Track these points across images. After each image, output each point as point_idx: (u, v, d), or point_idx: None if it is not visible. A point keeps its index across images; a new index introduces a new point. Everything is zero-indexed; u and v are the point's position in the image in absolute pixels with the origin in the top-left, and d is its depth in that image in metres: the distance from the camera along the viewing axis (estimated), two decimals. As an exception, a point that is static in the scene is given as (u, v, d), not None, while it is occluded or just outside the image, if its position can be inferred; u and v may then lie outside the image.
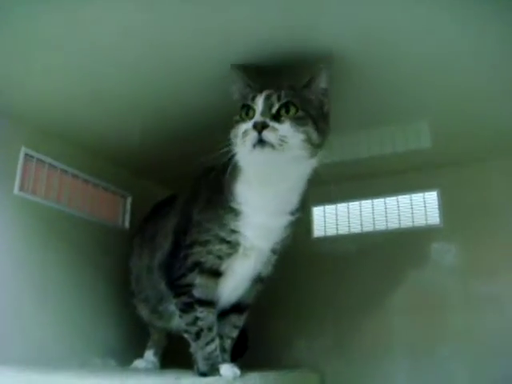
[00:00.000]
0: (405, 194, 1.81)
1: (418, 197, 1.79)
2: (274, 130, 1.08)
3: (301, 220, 1.29)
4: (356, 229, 1.86)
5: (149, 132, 1.56)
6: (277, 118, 1.10)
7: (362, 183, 1.85)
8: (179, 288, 1.28)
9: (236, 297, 1.33)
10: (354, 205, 1.89)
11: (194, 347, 1.25)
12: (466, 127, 1.48)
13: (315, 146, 1.13)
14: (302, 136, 1.10)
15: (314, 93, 1.18)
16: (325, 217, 1.92)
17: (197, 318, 1.24)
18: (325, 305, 1.81)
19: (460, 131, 1.51)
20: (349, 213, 1.89)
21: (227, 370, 1.20)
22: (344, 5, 1.00)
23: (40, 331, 1.41)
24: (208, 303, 1.26)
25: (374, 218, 1.83)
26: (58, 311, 1.49)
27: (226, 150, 1.14)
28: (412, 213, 1.78)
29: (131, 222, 1.80)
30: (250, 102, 1.14)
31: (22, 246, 1.41)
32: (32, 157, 1.46)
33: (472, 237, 1.68)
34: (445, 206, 1.74)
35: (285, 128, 1.09)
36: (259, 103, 1.12)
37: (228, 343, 1.33)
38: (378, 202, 1.85)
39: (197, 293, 1.25)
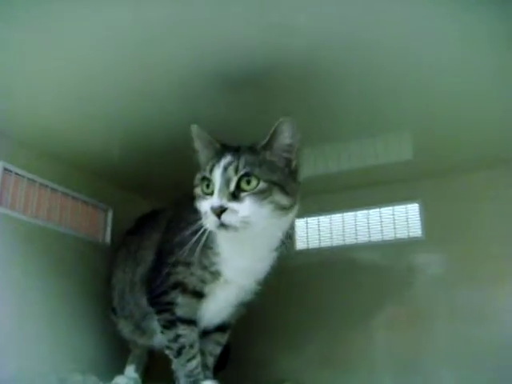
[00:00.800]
0: (387, 206, 1.81)
1: (400, 209, 1.79)
2: (234, 212, 1.04)
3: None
4: (339, 241, 1.86)
5: (131, 145, 1.55)
6: (236, 195, 1.05)
7: (344, 195, 1.86)
8: (160, 305, 1.27)
9: (219, 319, 1.33)
10: (336, 217, 1.89)
11: (175, 364, 1.25)
12: (447, 139, 1.49)
13: (287, 208, 1.11)
14: (268, 207, 1.07)
15: (277, 153, 1.12)
16: (307, 229, 1.91)
17: (178, 336, 1.24)
18: (308, 317, 1.80)
19: (442, 143, 1.52)
20: (331, 225, 1.88)
21: None
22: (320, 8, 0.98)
23: (19, 347, 1.39)
24: (190, 322, 1.25)
25: (356, 230, 1.83)
26: (38, 326, 1.46)
27: (198, 224, 1.10)
28: (394, 225, 1.78)
29: (112, 236, 1.78)
30: (208, 175, 1.10)
31: (1, 260, 1.38)
32: (10, 171, 1.44)
33: (454, 248, 1.68)
34: (427, 218, 1.75)
35: (245, 207, 1.05)
36: (217, 177, 1.07)
37: (210, 360, 1.33)
38: (361, 214, 1.84)
39: (179, 311, 1.24)
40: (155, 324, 1.32)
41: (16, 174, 1.45)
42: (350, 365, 1.71)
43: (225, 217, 1.03)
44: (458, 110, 1.34)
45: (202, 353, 1.29)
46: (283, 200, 1.08)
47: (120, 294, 1.50)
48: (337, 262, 1.84)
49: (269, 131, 1.10)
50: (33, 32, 1.03)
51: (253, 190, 1.06)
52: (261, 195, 1.06)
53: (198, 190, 1.14)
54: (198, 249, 1.13)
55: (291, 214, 1.14)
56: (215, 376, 1.32)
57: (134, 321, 1.45)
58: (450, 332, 1.62)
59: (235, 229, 1.04)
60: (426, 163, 1.65)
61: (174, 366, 1.26)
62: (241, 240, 1.14)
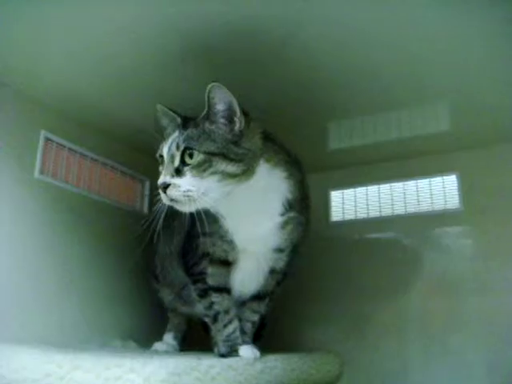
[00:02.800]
0: (424, 178, 1.79)
1: (437, 180, 1.77)
2: (176, 186, 1.07)
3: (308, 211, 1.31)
4: (375, 213, 1.85)
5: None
6: (180, 170, 1.08)
7: (381, 167, 1.84)
8: (194, 276, 1.32)
9: (251, 287, 1.34)
10: (372, 189, 1.87)
11: (213, 330, 1.28)
12: (485, 109, 1.46)
13: (240, 174, 1.11)
14: (212, 178, 1.08)
15: (215, 120, 1.12)
16: (343, 201, 1.91)
17: (212, 303, 1.27)
18: (342, 288, 1.81)
19: (479, 113, 1.49)
20: (367, 197, 1.87)
21: (246, 351, 1.23)
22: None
23: (61, 313, 1.43)
24: (221, 290, 1.28)
25: (392, 202, 1.82)
26: (79, 293, 1.50)
27: None
28: (431, 196, 1.76)
29: (150, 205, 1.80)
30: (160, 152, 1.15)
31: (43, 228, 1.42)
32: (52, 141, 1.47)
33: (492, 220, 1.66)
34: (464, 190, 1.72)
35: (186, 181, 1.07)
36: (164, 154, 1.12)
37: (248, 326, 1.33)
38: (397, 186, 1.83)
39: (210, 281, 1.28)
40: (194, 293, 1.35)
41: (57, 143, 1.48)
42: (381, 337, 1.71)
43: (169, 192, 1.07)
44: (495, 79, 1.31)
45: (240, 320, 1.32)
46: (229, 167, 1.09)
47: (161, 263, 1.55)
48: (372, 234, 1.84)
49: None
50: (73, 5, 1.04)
51: (195, 163, 1.08)
52: (201, 167, 1.08)
53: (159, 168, 1.16)
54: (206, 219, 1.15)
55: (256, 177, 1.15)
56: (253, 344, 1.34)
57: (175, 290, 1.49)
58: (485, 304, 1.60)
59: (181, 203, 1.08)
60: (463, 134, 1.63)
61: (213, 333, 1.29)
62: (237, 207, 1.17)
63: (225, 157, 1.09)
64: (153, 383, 0.85)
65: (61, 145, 1.50)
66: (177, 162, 1.09)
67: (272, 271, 1.32)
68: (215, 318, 1.27)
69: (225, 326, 1.26)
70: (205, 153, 1.08)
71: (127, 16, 1.08)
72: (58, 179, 1.47)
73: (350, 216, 1.90)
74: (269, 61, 1.27)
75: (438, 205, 1.75)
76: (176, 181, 1.07)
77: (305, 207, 1.31)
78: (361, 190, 1.89)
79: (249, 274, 1.31)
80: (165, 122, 1.23)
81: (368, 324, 1.74)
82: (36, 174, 1.40)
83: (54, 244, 1.44)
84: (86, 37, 1.16)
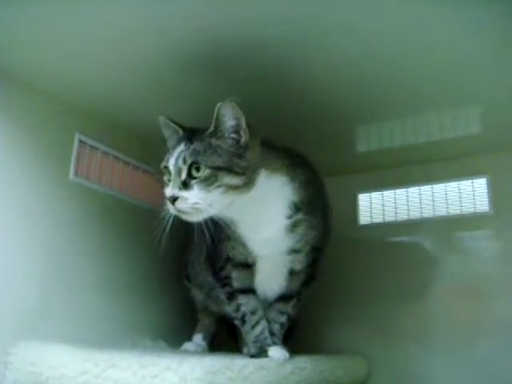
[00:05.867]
0: (453, 181, 1.78)
1: (466, 184, 1.76)
2: (184, 199, 1.10)
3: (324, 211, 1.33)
4: (403, 216, 1.84)
5: (199, 121, 1.58)
6: (187, 183, 1.11)
7: (409, 170, 1.83)
8: (221, 280, 1.37)
9: (275, 289, 1.36)
10: (400, 192, 1.87)
11: (243, 332, 1.32)
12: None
13: (243, 186, 1.14)
14: (217, 191, 1.11)
15: (222, 136, 1.14)
16: (371, 204, 1.91)
17: (239, 305, 1.32)
18: (369, 291, 1.81)
19: (510, 116, 1.48)
20: (395, 200, 1.87)
21: (276, 352, 1.25)
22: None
23: (93, 312, 1.46)
24: (247, 291, 1.32)
25: (421, 205, 1.81)
26: (111, 293, 1.53)
27: None
28: (460, 200, 1.76)
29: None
30: (166, 163, 1.16)
31: (77, 228, 1.45)
32: (85, 143, 1.50)
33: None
34: (494, 193, 1.71)
35: (193, 194, 1.10)
36: (171, 167, 1.13)
37: (276, 327, 1.34)
38: (425, 189, 1.82)
39: (235, 283, 1.33)
40: (222, 295, 1.39)
41: (90, 145, 1.51)
42: (408, 339, 1.70)
43: (177, 204, 1.10)
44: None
45: (268, 321, 1.33)
46: (233, 180, 1.12)
47: (192, 263, 1.58)
48: (400, 237, 1.84)
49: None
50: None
51: (201, 177, 1.11)
52: (207, 181, 1.11)
53: (164, 178, 1.19)
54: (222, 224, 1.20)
55: (257, 186, 1.18)
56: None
57: (204, 290, 1.52)
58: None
59: (189, 214, 1.11)
60: (494, 137, 1.62)
61: (243, 335, 1.33)
62: (244, 213, 1.20)
63: (230, 171, 1.12)
64: (188, 382, 0.87)
65: (94, 147, 1.52)
66: (184, 176, 1.11)
67: (292, 272, 1.34)
68: (243, 320, 1.31)
69: (253, 327, 1.29)
70: (211, 167, 1.11)
71: (165, 18, 1.10)
72: (91, 181, 1.50)
73: (377, 219, 1.90)
74: (294, 66, 1.28)
75: (467, 208, 1.74)
76: (184, 194, 1.10)
77: (318, 208, 1.32)
78: (389, 192, 1.89)
79: (269, 276, 1.34)
80: (167, 133, 1.26)
81: (395, 326, 1.74)
82: (71, 175, 1.44)
83: (88, 244, 1.47)
84: (118, 38, 1.18)
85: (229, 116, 1.13)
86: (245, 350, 1.41)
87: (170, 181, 1.14)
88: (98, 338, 1.39)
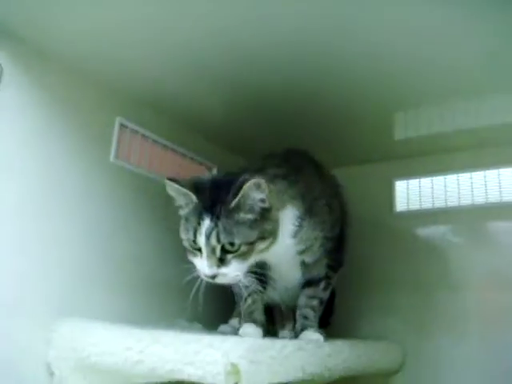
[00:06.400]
0: (492, 169, 1.75)
1: (506, 171, 1.73)
2: (224, 275, 1.12)
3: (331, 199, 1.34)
4: (440, 203, 1.82)
5: (237, 108, 1.60)
6: (223, 259, 1.11)
7: (447, 157, 1.81)
8: None
9: (293, 279, 1.39)
10: (438, 179, 1.85)
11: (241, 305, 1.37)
12: None
13: (274, 241, 1.17)
14: (253, 258, 1.15)
15: (251, 210, 1.12)
16: (408, 191, 1.89)
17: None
18: (404, 278, 1.80)
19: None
20: (433, 187, 1.85)
21: (310, 334, 1.28)
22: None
23: (132, 293, 1.48)
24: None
25: (459, 193, 1.79)
26: (150, 274, 1.55)
27: None
28: (500, 187, 1.73)
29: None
30: (192, 237, 1.13)
31: (117, 210, 1.47)
32: (126, 126, 1.51)
33: None
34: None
35: (232, 269, 1.12)
36: (202, 244, 1.11)
37: (308, 312, 1.36)
38: (464, 177, 1.80)
39: None
40: None
41: (131, 129, 1.53)
42: (441, 328, 1.69)
43: (218, 280, 1.13)
44: None
45: (300, 306, 1.36)
46: (266, 243, 1.15)
47: None
48: (437, 225, 1.82)
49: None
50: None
51: (236, 252, 1.11)
52: (244, 255, 1.13)
53: (185, 242, 1.18)
54: None
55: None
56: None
57: None
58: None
59: (229, 282, 1.15)
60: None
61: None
62: None
63: (262, 238, 1.14)
64: (231, 358, 0.88)
65: (135, 131, 1.54)
66: (218, 253, 1.11)
67: (304, 264, 1.36)
68: (239, 295, 1.35)
69: (245, 299, 1.33)
70: (247, 244, 1.12)
71: (206, 7, 1.11)
72: (131, 163, 1.52)
73: (414, 206, 1.88)
74: (333, 53, 1.28)
75: (507, 196, 1.71)
76: (223, 270, 1.12)
77: (322, 203, 1.34)
78: (426, 180, 1.87)
79: (283, 271, 1.36)
80: (175, 194, 1.21)
81: (429, 315, 1.72)
82: (111, 158, 1.46)
83: (127, 225, 1.50)
84: (161, 23, 1.18)
85: (257, 192, 1.11)
86: (280, 334, 1.42)
87: (195, 249, 1.14)
88: (136, 320, 1.40)
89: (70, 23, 1.18)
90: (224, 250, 1.11)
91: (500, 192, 1.72)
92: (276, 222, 1.17)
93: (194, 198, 1.15)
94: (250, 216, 1.12)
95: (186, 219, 1.17)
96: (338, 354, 1.22)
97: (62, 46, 1.28)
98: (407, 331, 1.73)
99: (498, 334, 1.60)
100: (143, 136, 1.57)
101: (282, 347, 1.00)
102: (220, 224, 1.10)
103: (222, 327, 1.57)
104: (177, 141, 1.70)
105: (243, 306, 1.35)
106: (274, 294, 1.44)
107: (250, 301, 1.33)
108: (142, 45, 1.27)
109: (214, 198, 1.13)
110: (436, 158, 1.83)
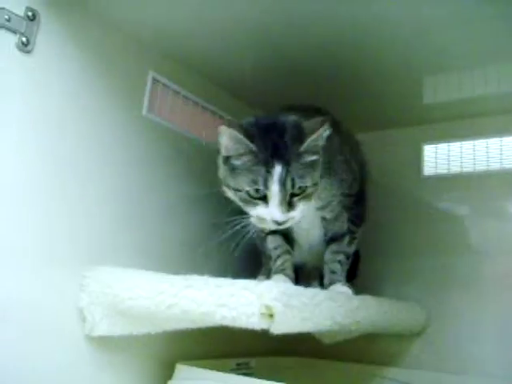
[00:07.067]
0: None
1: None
2: (292, 218, 1.12)
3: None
4: (469, 168, 1.81)
5: (266, 67, 1.60)
6: (291, 203, 1.11)
7: (476, 122, 1.79)
8: None
9: (316, 235, 1.41)
10: (467, 144, 1.83)
11: (271, 265, 1.40)
12: None
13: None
14: (313, 200, 1.18)
15: (317, 151, 1.14)
16: (436, 155, 1.88)
17: (267, 243, 1.41)
18: (429, 243, 1.80)
19: None
20: (462, 152, 1.83)
21: (338, 287, 1.32)
22: None
23: (161, 246, 1.50)
24: (276, 232, 1.37)
25: (488, 158, 1.77)
26: (179, 229, 1.56)
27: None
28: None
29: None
30: (261, 187, 1.10)
31: (148, 163, 1.48)
32: (158, 81, 1.52)
33: None
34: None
35: (299, 212, 1.12)
36: (274, 191, 1.08)
37: (335, 266, 1.38)
38: (493, 142, 1.77)
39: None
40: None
41: (163, 84, 1.53)
42: (462, 293, 1.68)
43: (286, 224, 1.12)
44: None
45: (326, 262, 1.39)
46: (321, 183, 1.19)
47: None
48: (465, 190, 1.81)
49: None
50: None
51: (302, 195, 1.12)
52: (309, 196, 1.14)
53: (242, 194, 1.15)
54: None
55: None
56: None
57: None
58: None
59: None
60: None
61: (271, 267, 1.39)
62: None
63: (322, 177, 1.18)
64: (266, 300, 0.89)
65: (166, 86, 1.55)
66: (288, 198, 1.11)
67: (325, 220, 1.38)
68: (269, 255, 1.41)
69: (275, 260, 1.37)
70: (314, 185, 1.14)
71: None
72: (163, 118, 1.53)
73: (443, 171, 1.86)
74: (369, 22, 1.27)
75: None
76: (292, 214, 1.12)
77: (339, 160, 1.34)
78: (455, 144, 1.85)
79: (303, 226, 1.36)
80: (228, 143, 1.15)
81: (451, 278, 1.72)
82: (144, 111, 1.46)
83: (158, 178, 1.51)
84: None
85: (325, 133, 1.13)
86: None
87: (256, 198, 1.12)
88: (166, 272, 1.43)
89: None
90: (291, 194, 1.11)
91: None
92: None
93: (251, 146, 1.11)
94: (314, 157, 1.14)
95: (247, 170, 1.12)
96: (367, 308, 1.23)
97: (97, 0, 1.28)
98: (429, 294, 1.74)
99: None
100: (175, 92, 1.58)
101: (313, 295, 1.02)
102: (292, 169, 1.09)
103: (250, 283, 1.60)
104: (208, 98, 1.70)
105: (274, 266, 1.36)
106: (300, 255, 1.46)
107: (279, 261, 1.36)
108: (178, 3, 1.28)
109: (274, 142, 1.11)
110: (465, 122, 1.81)
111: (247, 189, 1.12)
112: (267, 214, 1.10)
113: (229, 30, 1.40)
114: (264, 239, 1.41)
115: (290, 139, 1.11)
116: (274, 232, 1.38)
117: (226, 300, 0.95)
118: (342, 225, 1.39)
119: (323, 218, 1.37)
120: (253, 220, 1.15)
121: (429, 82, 1.64)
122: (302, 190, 1.12)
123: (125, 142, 1.41)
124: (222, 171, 1.21)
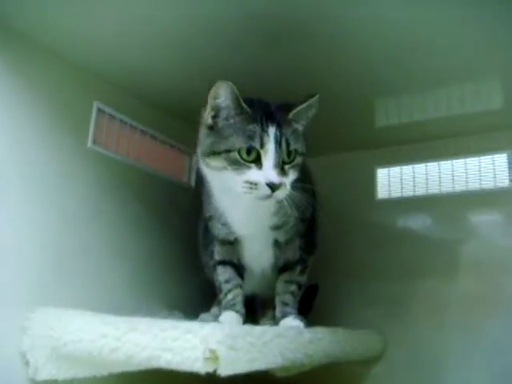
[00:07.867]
0: (473, 157, 1.75)
1: (486, 159, 1.73)
2: (284, 187, 1.07)
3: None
4: (421, 191, 1.82)
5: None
6: (284, 170, 1.08)
7: (428, 145, 1.81)
8: (209, 253, 1.41)
9: (266, 259, 1.37)
10: (419, 167, 1.84)
11: (221, 299, 1.36)
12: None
13: None
14: (297, 173, 1.14)
15: (302, 118, 1.16)
16: (389, 179, 1.89)
17: (217, 275, 1.36)
18: (385, 267, 1.79)
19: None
20: (414, 175, 1.85)
21: (289, 321, 1.28)
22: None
23: (110, 281, 1.46)
24: (225, 263, 1.35)
25: (440, 181, 1.79)
26: (128, 263, 1.53)
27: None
28: (480, 175, 1.73)
29: (196, 179, 1.81)
30: (257, 145, 1.07)
31: (94, 197, 1.44)
32: (104, 112, 1.49)
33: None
34: (515, 169, 1.68)
35: (289, 180, 1.10)
36: (270, 150, 1.06)
37: (287, 297, 1.35)
38: (445, 165, 1.79)
39: (216, 256, 1.36)
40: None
41: (109, 114, 1.50)
42: (421, 318, 1.69)
43: (278, 192, 1.06)
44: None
45: (278, 293, 1.36)
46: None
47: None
48: (418, 213, 1.82)
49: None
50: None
51: (292, 163, 1.10)
52: (297, 166, 1.12)
53: (232, 154, 1.08)
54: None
55: None
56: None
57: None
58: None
59: (279, 201, 1.11)
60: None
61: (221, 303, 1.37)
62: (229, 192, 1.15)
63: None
64: (210, 344, 0.86)
65: (112, 116, 1.51)
66: (281, 162, 1.08)
67: (278, 244, 1.34)
68: (220, 288, 1.35)
69: (225, 294, 1.33)
70: (302, 154, 1.13)
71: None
72: (109, 149, 1.49)
73: (396, 194, 1.87)
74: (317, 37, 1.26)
75: (487, 184, 1.71)
76: (285, 180, 1.08)
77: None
78: (407, 168, 1.87)
79: (255, 250, 1.35)
80: (222, 102, 1.12)
81: (409, 304, 1.72)
82: (89, 143, 1.43)
83: (105, 213, 1.47)
84: (137, 10, 1.17)
85: (315, 109, 1.15)
86: (261, 322, 1.42)
87: (248, 161, 1.07)
88: (114, 308, 1.38)
89: (47, 6, 1.15)
90: (282, 162, 1.09)
91: (480, 180, 1.72)
92: None
93: (246, 107, 1.10)
94: (298, 126, 1.15)
95: (241, 129, 1.08)
96: (319, 341, 1.20)
97: (39, 28, 1.25)
98: (388, 320, 1.73)
99: (478, 322, 1.60)
100: (121, 121, 1.55)
101: (261, 334, 0.99)
102: (285, 130, 1.09)
103: (203, 316, 1.55)
104: (156, 127, 1.68)
105: (224, 300, 1.33)
106: (252, 284, 1.42)
107: (230, 296, 1.33)
108: (116, 29, 1.26)
109: (266, 110, 1.12)
110: (417, 145, 1.83)
111: (242, 146, 1.07)
112: (261, 176, 1.06)
113: (174, 57, 1.38)
114: (214, 270, 1.38)
115: (282, 107, 1.14)
116: (224, 262, 1.35)
117: (169, 344, 0.91)
118: (294, 252, 1.37)
119: (276, 241, 1.34)
120: (241, 188, 1.07)
121: (380, 105, 1.64)
122: (293, 157, 1.10)
123: (69, 176, 1.37)
124: (207, 140, 1.15)
